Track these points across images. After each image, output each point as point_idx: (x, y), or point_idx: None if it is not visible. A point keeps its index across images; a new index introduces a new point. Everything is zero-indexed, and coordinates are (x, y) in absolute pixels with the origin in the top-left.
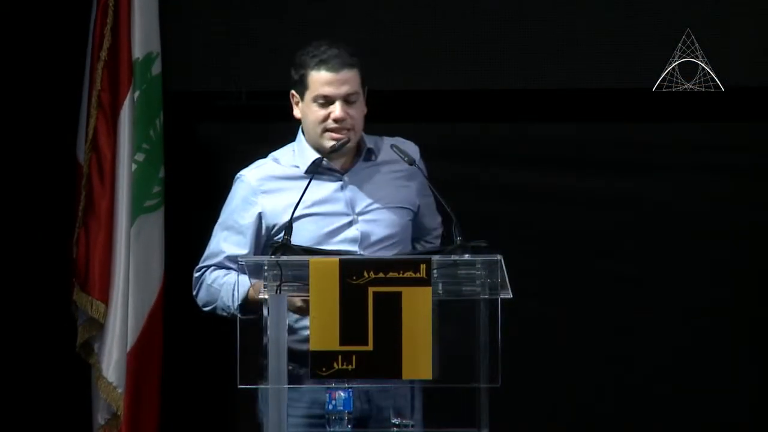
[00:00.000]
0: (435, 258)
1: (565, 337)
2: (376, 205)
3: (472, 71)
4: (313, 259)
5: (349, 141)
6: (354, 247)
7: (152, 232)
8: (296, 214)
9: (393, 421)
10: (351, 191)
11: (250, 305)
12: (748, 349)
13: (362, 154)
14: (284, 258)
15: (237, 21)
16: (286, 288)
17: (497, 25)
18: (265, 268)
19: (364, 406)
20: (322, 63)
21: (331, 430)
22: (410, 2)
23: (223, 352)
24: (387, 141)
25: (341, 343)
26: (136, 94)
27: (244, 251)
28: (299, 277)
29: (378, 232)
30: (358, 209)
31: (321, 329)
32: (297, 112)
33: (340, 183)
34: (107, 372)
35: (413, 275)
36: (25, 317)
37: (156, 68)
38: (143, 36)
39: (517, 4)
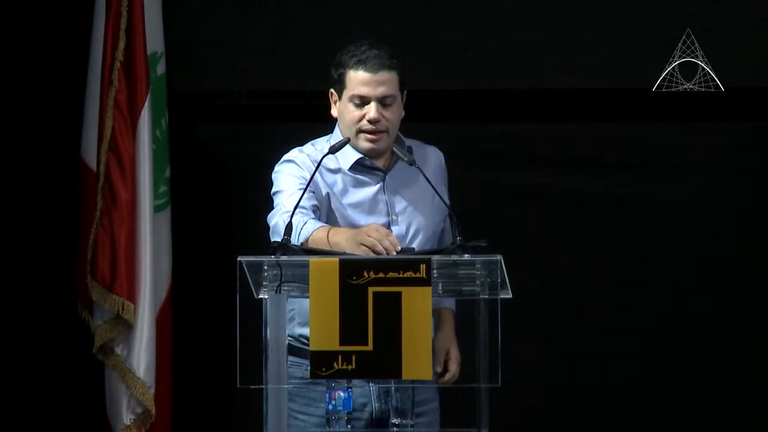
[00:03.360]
0: (435, 258)
1: (565, 337)
2: (413, 206)
3: (472, 71)
4: (313, 259)
5: (348, 141)
6: None
7: (159, 231)
8: (339, 211)
9: (393, 422)
10: (391, 192)
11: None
12: (748, 350)
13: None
14: (284, 258)
15: (237, 21)
16: (286, 288)
17: (497, 25)
18: (265, 268)
19: (383, 406)
20: (360, 63)
21: (331, 430)
22: (409, 3)
23: (232, 351)
24: (422, 144)
25: (341, 343)
26: None
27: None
28: (299, 277)
29: (412, 231)
30: (397, 209)
31: (321, 329)
32: (334, 111)
33: (381, 184)
34: (140, 372)
35: (413, 275)
36: (30, 318)
37: (160, 68)
38: (147, 36)
39: (518, 4)
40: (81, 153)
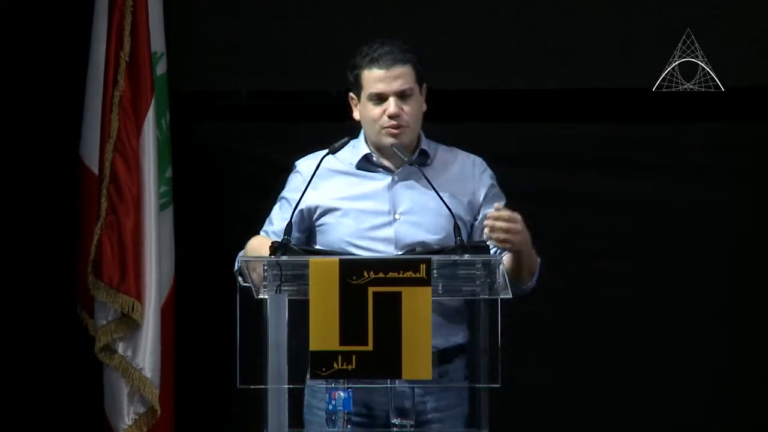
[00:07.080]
0: (435, 258)
1: (565, 337)
2: (421, 207)
3: (472, 71)
4: (313, 259)
5: (348, 141)
6: (389, 248)
7: (160, 231)
8: (339, 206)
9: (393, 422)
10: (398, 190)
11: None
12: (747, 350)
13: (416, 153)
14: (284, 258)
15: (237, 21)
16: (285, 288)
17: (497, 25)
18: (265, 268)
19: (419, 407)
20: (373, 61)
21: (331, 430)
22: (409, 3)
23: (232, 351)
24: (455, 151)
25: (341, 343)
26: None
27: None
28: (299, 277)
29: (415, 234)
30: (401, 209)
31: (321, 329)
32: (356, 114)
33: (388, 181)
34: (147, 372)
35: (413, 275)
36: (29, 319)
37: (161, 68)
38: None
39: (517, 4)
40: (80, 153)
